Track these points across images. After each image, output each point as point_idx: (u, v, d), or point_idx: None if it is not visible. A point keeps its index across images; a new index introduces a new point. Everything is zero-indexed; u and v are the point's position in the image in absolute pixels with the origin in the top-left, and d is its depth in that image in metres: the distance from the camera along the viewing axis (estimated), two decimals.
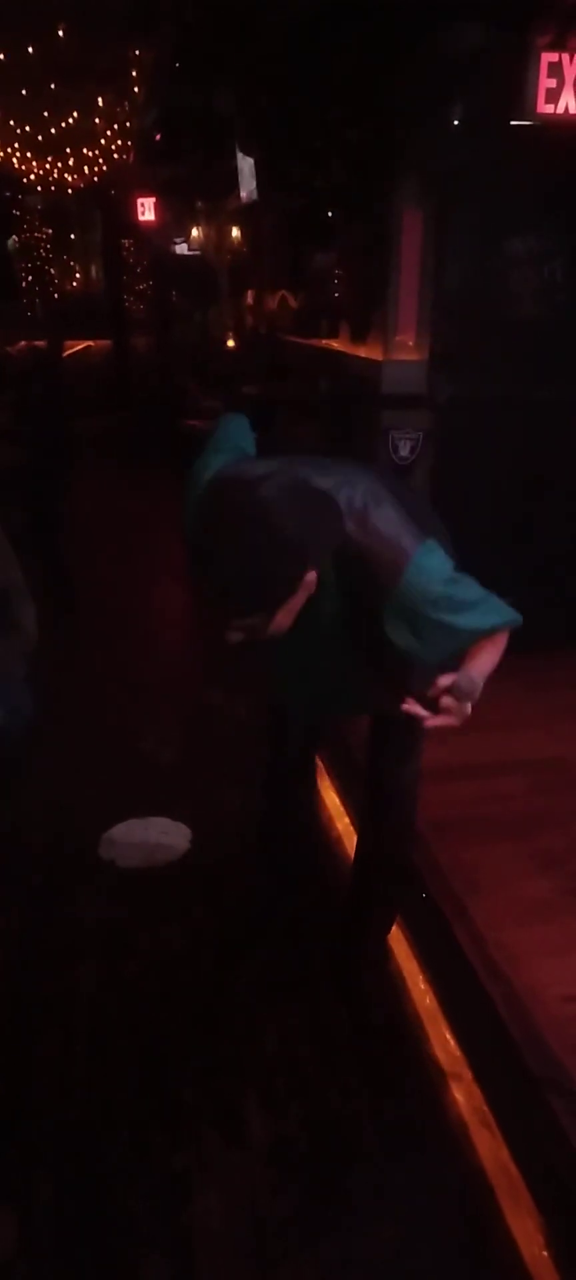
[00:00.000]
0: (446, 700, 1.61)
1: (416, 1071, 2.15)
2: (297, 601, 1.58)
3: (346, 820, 3.09)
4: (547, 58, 3.23)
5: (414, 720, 1.80)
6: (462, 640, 1.73)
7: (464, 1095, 2.08)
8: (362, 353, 3.97)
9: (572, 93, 3.31)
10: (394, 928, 2.55)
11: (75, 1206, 1.84)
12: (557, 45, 3.20)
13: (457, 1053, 2.18)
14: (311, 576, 1.56)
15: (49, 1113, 2.04)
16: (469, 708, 1.63)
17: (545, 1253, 1.74)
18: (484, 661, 1.74)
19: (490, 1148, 1.96)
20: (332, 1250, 1.76)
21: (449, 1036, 2.23)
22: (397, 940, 2.53)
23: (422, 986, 2.37)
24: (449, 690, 1.60)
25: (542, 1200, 1.83)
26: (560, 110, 3.30)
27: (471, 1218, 1.82)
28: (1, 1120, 2.02)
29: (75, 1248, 1.77)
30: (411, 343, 3.77)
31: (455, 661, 1.69)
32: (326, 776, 3.36)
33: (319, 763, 3.41)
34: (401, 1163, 1.93)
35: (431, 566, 1.71)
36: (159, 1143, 1.96)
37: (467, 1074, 2.13)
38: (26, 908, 2.66)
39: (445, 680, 1.60)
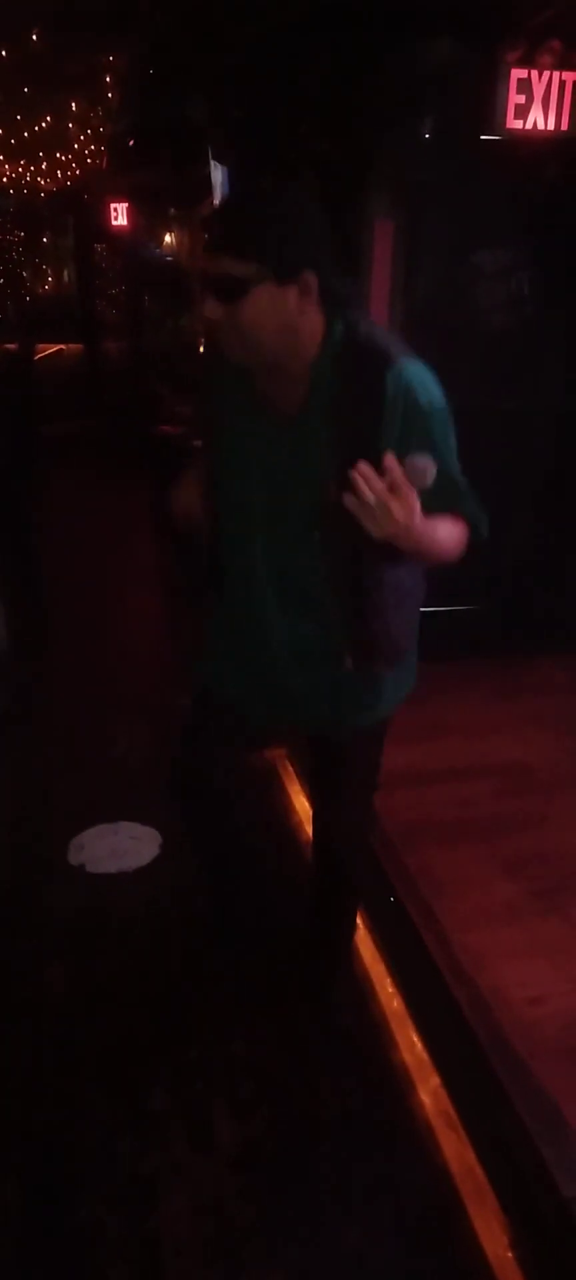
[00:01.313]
0: (393, 479, 1.38)
1: (383, 1074, 2.16)
2: None
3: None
4: (517, 74, 3.28)
5: (367, 778, 1.94)
6: (447, 494, 1.61)
7: (430, 1097, 2.09)
8: None
9: (541, 109, 3.36)
10: (361, 930, 2.57)
11: (42, 1211, 1.83)
12: (526, 62, 3.26)
13: (424, 1055, 2.20)
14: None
15: (16, 1116, 2.02)
16: (401, 517, 1.39)
17: (510, 1254, 1.76)
18: (443, 529, 1.60)
19: (456, 1149, 1.97)
20: (299, 1254, 1.76)
21: (416, 1039, 2.24)
22: (364, 943, 2.55)
23: (390, 989, 2.39)
24: (405, 469, 1.39)
25: (507, 1201, 1.85)
26: (528, 126, 3.35)
27: (437, 1219, 1.83)
28: None
29: (42, 1253, 1.76)
30: None
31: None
32: (295, 781, 3.37)
33: (288, 768, 3.43)
34: (368, 1165, 1.94)
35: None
36: (126, 1147, 1.95)
37: (434, 1077, 2.14)
38: None
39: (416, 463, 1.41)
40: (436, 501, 1.53)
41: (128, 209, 10.00)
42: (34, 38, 6.34)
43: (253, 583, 1.78)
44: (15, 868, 2.82)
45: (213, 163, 5.16)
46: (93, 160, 10.15)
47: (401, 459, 1.42)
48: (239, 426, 1.72)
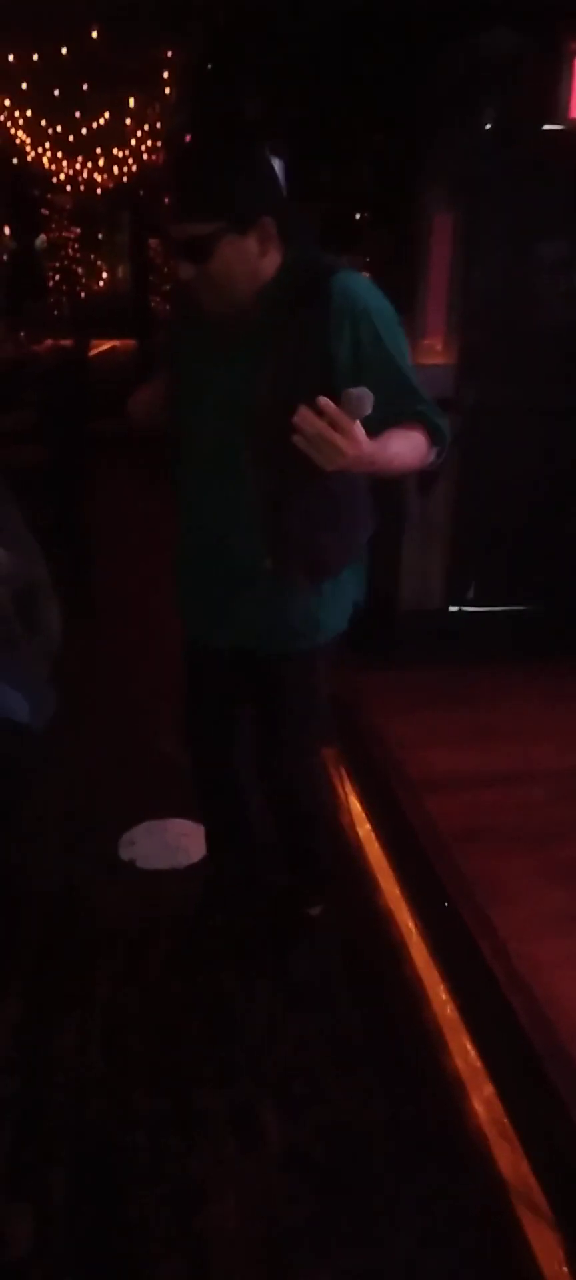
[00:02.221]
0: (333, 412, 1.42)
1: (435, 1081, 2.12)
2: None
3: (367, 827, 3.08)
4: None
5: (307, 700, 2.00)
6: (400, 397, 1.65)
7: (484, 1107, 2.05)
8: None
9: None
10: (413, 934, 2.55)
11: (90, 1207, 1.84)
12: None
13: (478, 1063, 2.16)
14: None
15: (66, 1113, 2.04)
16: (347, 449, 1.44)
17: (565, 1269, 1.72)
18: (397, 442, 1.61)
19: (510, 1160, 1.93)
20: (347, 1260, 1.74)
21: (469, 1047, 2.20)
22: (417, 947, 2.52)
23: (443, 996, 2.35)
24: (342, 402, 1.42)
25: (563, 1214, 1.81)
26: None
27: (490, 1231, 1.80)
28: (19, 1119, 2.02)
29: (90, 1249, 1.76)
30: (439, 347, 3.75)
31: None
32: (347, 780, 3.34)
33: (339, 768, 3.40)
34: (419, 1173, 1.91)
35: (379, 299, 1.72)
36: (175, 1146, 1.95)
37: (488, 1085, 2.10)
38: (45, 907, 2.66)
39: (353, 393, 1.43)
40: (390, 406, 1.60)
41: None
42: (93, 35, 6.40)
43: (198, 503, 1.92)
44: (65, 863, 2.85)
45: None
46: (149, 156, 10.22)
47: (355, 364, 1.58)
48: (195, 360, 1.84)
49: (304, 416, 1.43)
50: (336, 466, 1.46)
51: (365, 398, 1.44)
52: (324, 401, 1.42)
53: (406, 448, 1.65)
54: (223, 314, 1.72)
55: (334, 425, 1.42)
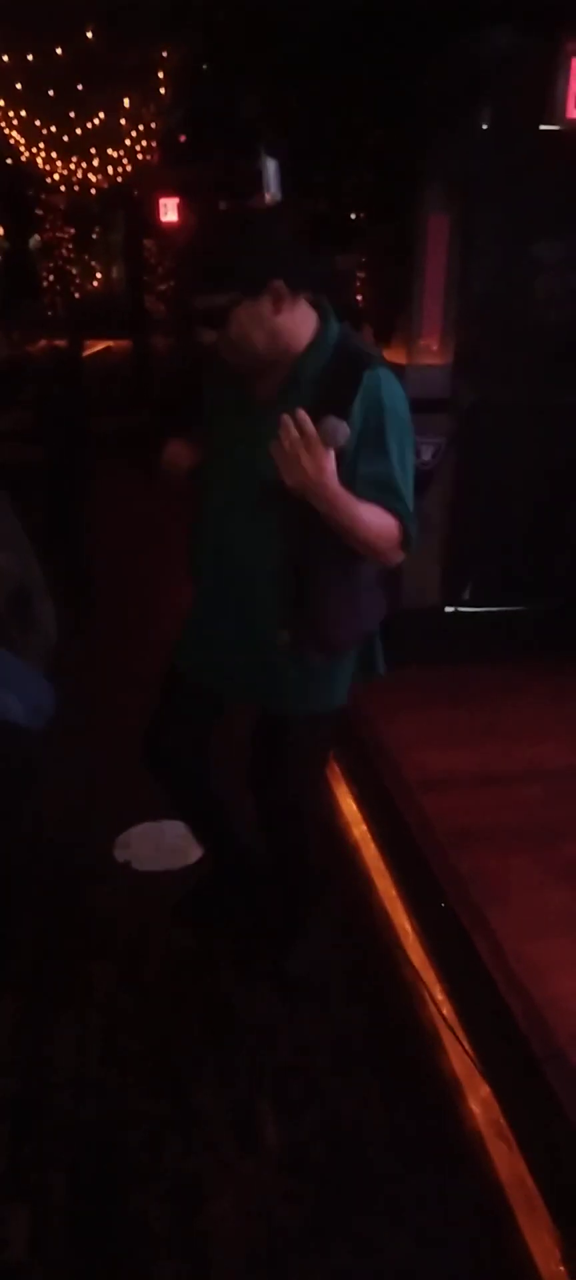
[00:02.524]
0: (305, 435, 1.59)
1: (432, 1082, 2.13)
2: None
3: (363, 827, 3.08)
4: None
5: (302, 759, 2.09)
6: (381, 487, 1.76)
7: (480, 1107, 2.05)
8: (386, 356, 3.96)
9: None
10: (410, 934, 2.55)
11: (89, 1207, 1.83)
12: None
13: (475, 1064, 2.16)
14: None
15: (63, 1113, 2.03)
16: (309, 468, 1.61)
17: (562, 1268, 1.72)
18: (366, 511, 1.73)
19: (507, 1160, 1.93)
20: (345, 1259, 1.74)
21: (466, 1047, 2.20)
22: (414, 948, 2.52)
23: (440, 997, 2.35)
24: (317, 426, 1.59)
25: (560, 1214, 1.81)
26: None
27: (487, 1231, 1.80)
28: (16, 1119, 2.02)
29: (88, 1249, 1.76)
30: (435, 347, 3.75)
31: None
32: (342, 782, 3.34)
33: (335, 769, 3.40)
34: (416, 1173, 1.91)
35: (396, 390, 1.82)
36: (173, 1146, 1.95)
37: (484, 1086, 2.10)
38: (43, 908, 2.66)
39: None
40: (371, 490, 1.75)
41: (177, 204, 10.05)
42: (89, 35, 6.39)
43: (217, 562, 2.00)
44: (62, 865, 2.84)
45: (264, 156, 5.16)
46: (144, 156, 10.21)
47: (357, 444, 1.71)
48: (225, 414, 1.95)
49: (286, 427, 1.58)
50: (295, 482, 1.63)
51: (339, 429, 1.59)
52: (302, 415, 1.58)
53: (372, 519, 1.75)
54: (247, 369, 1.84)
55: (307, 444, 1.58)
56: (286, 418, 1.58)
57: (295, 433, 1.59)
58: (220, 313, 1.74)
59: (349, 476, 1.72)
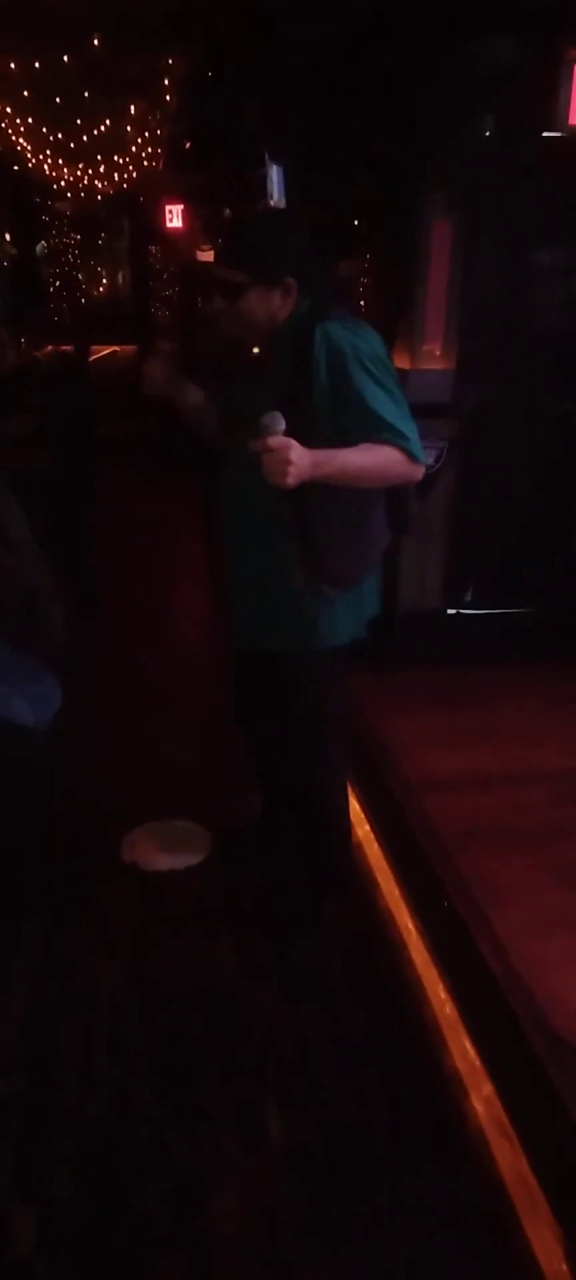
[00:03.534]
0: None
1: (435, 1080, 2.14)
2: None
3: (366, 827, 3.10)
4: None
5: (321, 706, 2.24)
6: (365, 424, 1.90)
7: (483, 1105, 2.06)
8: None
9: None
10: (413, 934, 2.56)
11: (94, 1205, 1.85)
12: None
13: (477, 1063, 2.17)
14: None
15: (69, 1111, 2.05)
16: (289, 470, 1.77)
17: (564, 1266, 1.73)
18: (355, 454, 1.88)
19: (509, 1158, 1.94)
20: (348, 1257, 1.75)
21: (468, 1046, 2.22)
22: (417, 948, 2.53)
23: (443, 995, 2.37)
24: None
25: (562, 1213, 1.82)
26: None
27: (489, 1229, 1.81)
28: (23, 1117, 2.03)
29: (93, 1246, 1.78)
30: (438, 352, 3.77)
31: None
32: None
33: None
34: (419, 1171, 1.92)
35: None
36: (177, 1144, 1.97)
37: (488, 1085, 2.11)
38: (50, 907, 2.68)
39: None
40: (356, 433, 1.90)
41: (183, 211, 10.07)
42: (95, 43, 6.42)
43: (235, 511, 2.18)
44: (68, 863, 2.87)
45: (268, 163, 5.19)
46: (149, 162, 10.24)
47: (333, 399, 1.89)
48: (237, 397, 2.18)
49: (254, 448, 1.79)
50: (284, 483, 1.78)
51: (274, 420, 1.77)
52: (251, 443, 1.79)
53: (364, 458, 1.90)
54: (238, 340, 2.08)
55: (272, 453, 1.77)
56: (251, 443, 1.79)
57: (263, 447, 1.78)
58: (236, 288, 1.98)
59: (335, 430, 1.91)
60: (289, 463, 1.76)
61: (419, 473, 1.98)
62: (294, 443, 1.78)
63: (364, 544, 2.12)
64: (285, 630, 2.18)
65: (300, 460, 1.77)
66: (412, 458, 1.94)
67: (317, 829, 2.51)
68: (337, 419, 1.92)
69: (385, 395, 1.93)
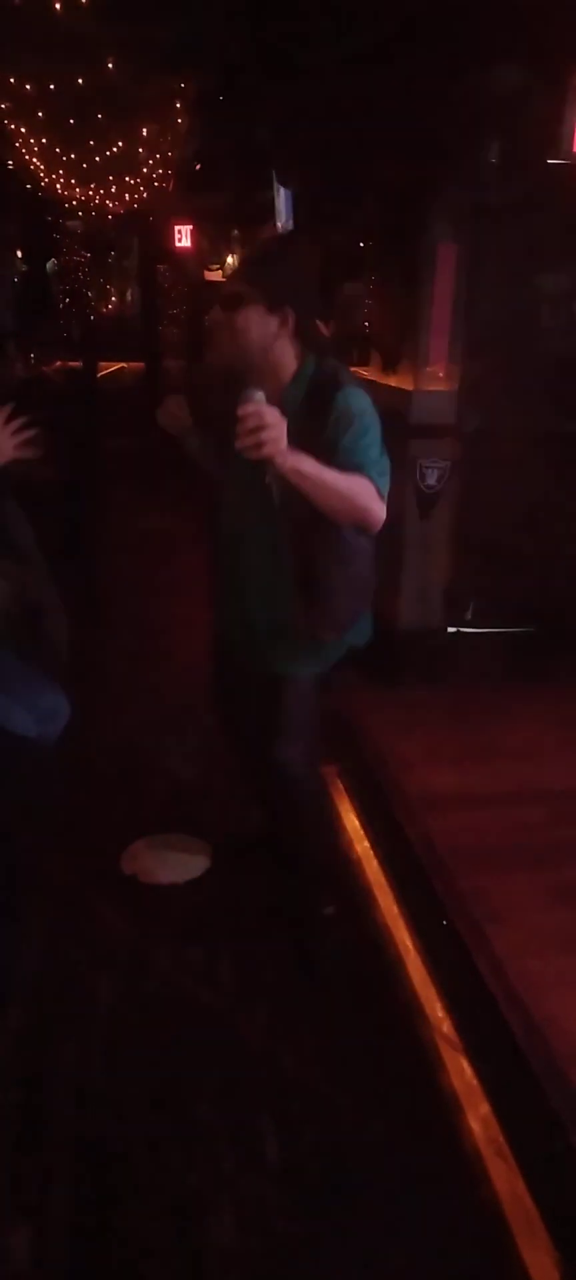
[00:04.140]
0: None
1: (432, 1099, 2.14)
2: None
3: (365, 844, 3.10)
4: None
5: (300, 718, 2.31)
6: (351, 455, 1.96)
7: (480, 1124, 2.06)
8: (393, 382, 4.01)
9: None
10: (411, 951, 2.56)
11: (90, 1220, 1.85)
12: None
13: (474, 1082, 2.17)
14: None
15: (65, 1127, 2.05)
16: (265, 436, 1.77)
17: None
18: (337, 476, 1.91)
19: (505, 1179, 1.94)
20: (344, 1275, 1.75)
21: (465, 1065, 2.22)
22: (415, 965, 2.53)
23: (440, 1014, 2.37)
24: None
25: (558, 1234, 1.82)
26: None
27: (485, 1249, 1.81)
28: (18, 1133, 2.03)
29: (89, 1262, 1.77)
30: (442, 374, 3.80)
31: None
32: (346, 798, 3.37)
33: (338, 785, 3.43)
34: (415, 1190, 1.92)
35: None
36: (174, 1160, 1.96)
37: (484, 1104, 2.11)
38: (48, 920, 2.68)
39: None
40: (346, 461, 1.94)
41: (191, 230, 10.18)
42: (109, 65, 6.51)
43: (235, 556, 2.26)
44: (69, 876, 2.87)
45: (276, 186, 5.24)
46: (160, 183, 10.35)
47: (329, 450, 1.93)
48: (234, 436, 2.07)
49: (244, 420, 1.78)
50: (259, 453, 1.78)
51: (249, 393, 1.80)
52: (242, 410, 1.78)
53: (337, 477, 1.92)
54: (229, 361, 2.08)
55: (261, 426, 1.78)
56: (242, 411, 1.78)
57: (252, 422, 1.78)
58: (236, 300, 2.00)
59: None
60: (264, 427, 1.76)
61: (381, 514, 2.02)
62: (272, 410, 1.79)
63: (360, 591, 2.19)
64: (275, 654, 2.27)
65: (278, 429, 1.78)
66: (380, 495, 2.00)
67: (300, 838, 2.55)
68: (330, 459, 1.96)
69: (374, 447, 2.02)
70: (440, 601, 4.09)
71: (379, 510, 2.01)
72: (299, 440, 1.86)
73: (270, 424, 1.77)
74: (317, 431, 1.96)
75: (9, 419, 2.22)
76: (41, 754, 2.37)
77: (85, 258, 22.00)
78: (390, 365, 4.05)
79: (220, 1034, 2.30)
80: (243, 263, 2.17)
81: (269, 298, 2.01)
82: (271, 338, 2.04)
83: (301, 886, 2.63)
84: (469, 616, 4.14)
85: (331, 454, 1.95)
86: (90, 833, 3.08)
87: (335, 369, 2.10)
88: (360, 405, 2.03)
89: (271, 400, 1.94)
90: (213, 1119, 2.06)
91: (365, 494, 1.97)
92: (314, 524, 1.95)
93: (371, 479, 1.98)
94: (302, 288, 2.13)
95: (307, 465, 1.86)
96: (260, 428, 1.76)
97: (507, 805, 3.11)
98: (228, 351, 2.08)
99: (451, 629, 4.13)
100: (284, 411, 1.92)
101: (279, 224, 6.24)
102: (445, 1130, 2.06)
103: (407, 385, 3.85)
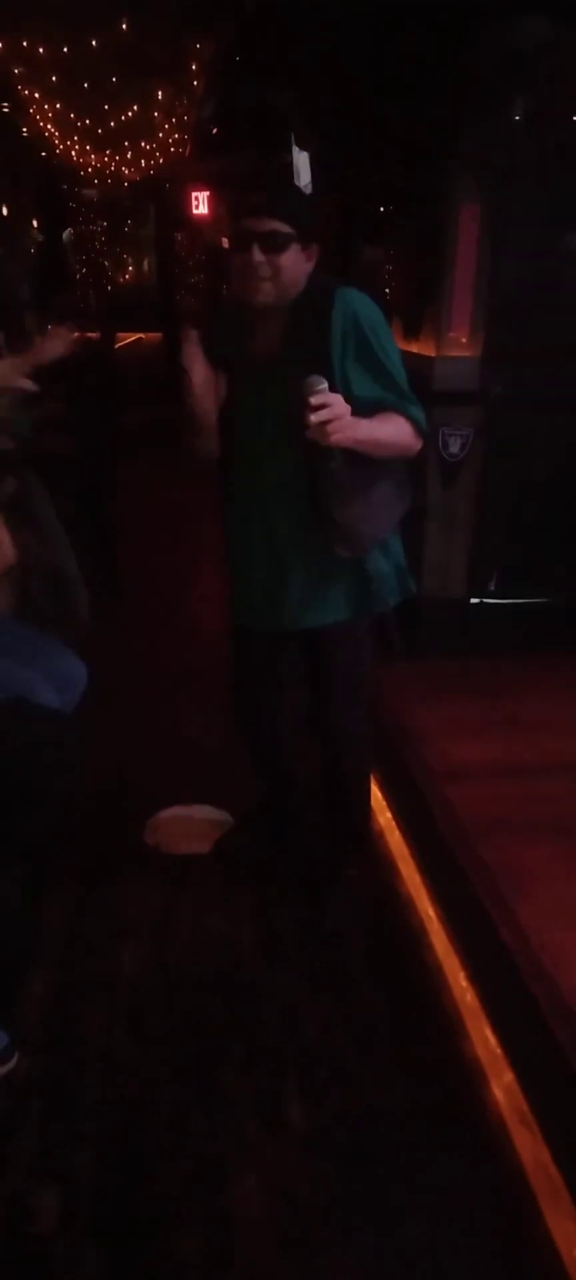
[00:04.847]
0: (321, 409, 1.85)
1: (456, 1068, 2.14)
2: None
3: (388, 815, 3.09)
4: None
5: (353, 669, 2.33)
6: (387, 386, 2.04)
7: (504, 1094, 2.06)
8: (414, 348, 3.95)
9: None
10: (434, 921, 2.56)
11: (115, 1185, 1.87)
12: None
13: (499, 1051, 2.17)
14: None
15: (91, 1092, 2.07)
16: (333, 425, 1.86)
17: None
18: (382, 426, 2.01)
19: (530, 1148, 1.94)
20: (368, 1242, 1.76)
21: (490, 1034, 2.21)
22: (438, 935, 2.53)
23: (463, 983, 2.36)
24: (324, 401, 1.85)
25: None
26: None
27: (509, 1218, 1.81)
28: (46, 1097, 2.06)
29: (114, 1226, 1.79)
30: (465, 339, 3.73)
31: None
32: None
33: None
34: (439, 1158, 1.92)
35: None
36: (198, 1127, 1.98)
37: (508, 1073, 2.11)
38: (73, 889, 2.70)
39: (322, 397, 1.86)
40: (374, 391, 2.02)
41: (209, 197, 10.06)
42: (123, 27, 6.41)
43: (250, 495, 2.22)
44: (91, 846, 2.89)
45: (295, 149, 5.16)
46: (175, 148, 10.22)
47: (351, 357, 1.99)
48: (242, 379, 2.16)
49: (308, 407, 1.85)
50: (329, 439, 1.87)
51: (317, 379, 1.86)
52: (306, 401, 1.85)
53: (387, 427, 2.02)
54: (260, 304, 2.03)
55: (333, 413, 1.85)
56: (307, 396, 1.84)
57: (308, 406, 1.84)
58: (281, 240, 1.96)
59: (343, 388, 1.97)
60: (334, 416, 1.85)
61: (418, 446, 2.10)
62: (338, 397, 1.87)
63: (375, 512, 2.16)
64: (328, 604, 2.26)
65: (345, 415, 1.87)
66: (419, 431, 2.08)
67: (348, 792, 2.61)
68: (344, 377, 2.01)
69: (395, 361, 2.06)
70: (463, 572, 4.04)
71: (416, 444, 2.10)
72: (306, 361, 1.92)
73: (339, 413, 1.86)
74: (320, 346, 1.99)
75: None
76: (64, 724, 2.37)
77: (102, 227, 21.83)
78: (411, 331, 3.98)
79: (243, 1003, 2.31)
80: (273, 200, 1.99)
81: (306, 236, 2.01)
82: (304, 273, 2.04)
83: (330, 848, 2.67)
84: (492, 587, 4.10)
85: (349, 368, 2.00)
86: (112, 803, 3.10)
87: (323, 278, 2.10)
88: (365, 306, 2.04)
89: (278, 326, 2.06)
90: (236, 1086, 2.07)
91: (403, 436, 2.06)
92: (324, 452, 1.95)
93: (405, 412, 2.04)
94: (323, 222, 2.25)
95: (363, 432, 1.94)
96: (330, 417, 1.84)
97: (531, 776, 3.09)
98: (269, 294, 2.01)
99: (474, 600, 4.09)
100: (285, 334, 2.06)
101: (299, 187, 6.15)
102: (469, 1099, 2.06)
103: (429, 351, 3.79)
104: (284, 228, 1.96)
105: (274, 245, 1.96)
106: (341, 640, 2.32)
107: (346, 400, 1.91)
